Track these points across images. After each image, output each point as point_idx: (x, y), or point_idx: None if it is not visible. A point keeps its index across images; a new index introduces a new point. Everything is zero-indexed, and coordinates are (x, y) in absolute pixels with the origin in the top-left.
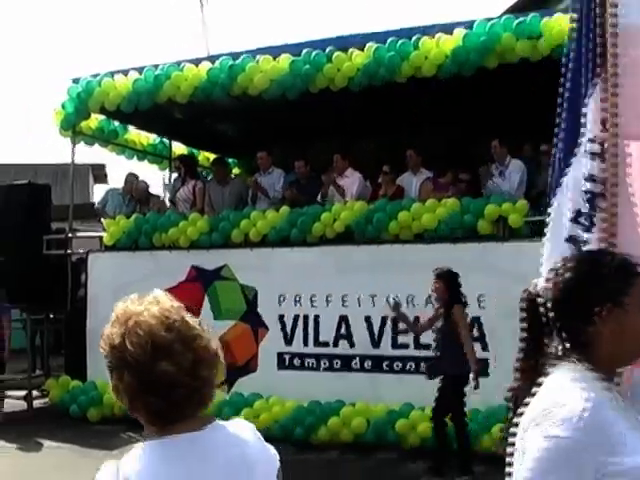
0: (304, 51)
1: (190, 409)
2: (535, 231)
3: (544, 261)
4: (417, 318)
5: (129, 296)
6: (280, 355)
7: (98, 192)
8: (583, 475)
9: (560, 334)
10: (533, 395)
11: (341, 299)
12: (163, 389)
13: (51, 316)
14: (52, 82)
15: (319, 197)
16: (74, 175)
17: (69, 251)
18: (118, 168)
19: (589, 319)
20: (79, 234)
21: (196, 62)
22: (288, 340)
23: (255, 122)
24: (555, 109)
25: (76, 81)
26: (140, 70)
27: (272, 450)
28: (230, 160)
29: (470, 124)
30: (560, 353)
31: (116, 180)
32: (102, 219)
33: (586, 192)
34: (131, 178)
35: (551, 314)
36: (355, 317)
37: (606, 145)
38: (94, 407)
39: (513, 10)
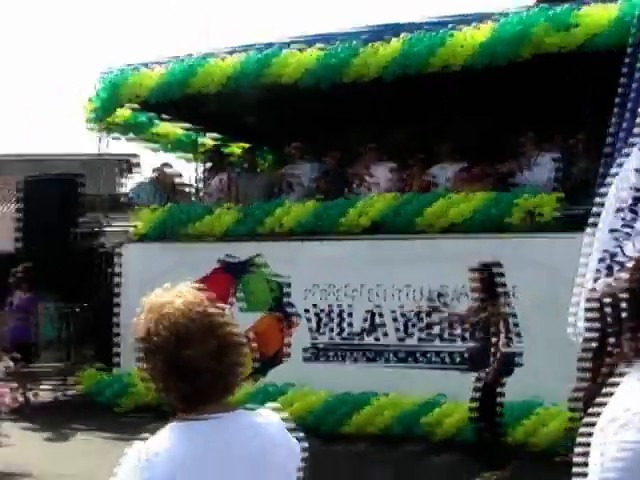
0: (336, 41)
1: (215, 395)
2: (569, 223)
3: (594, 251)
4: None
5: (159, 287)
6: (310, 346)
7: (128, 184)
8: None
9: (635, 333)
10: (606, 395)
11: (370, 291)
12: (190, 374)
13: (81, 307)
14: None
15: (348, 189)
16: (103, 167)
17: (100, 242)
18: (149, 160)
19: None
20: (109, 228)
21: (230, 52)
22: (319, 331)
23: (287, 112)
24: (589, 99)
25: (106, 73)
26: (172, 61)
27: (295, 441)
28: (260, 151)
29: (502, 115)
30: (633, 353)
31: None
32: (133, 210)
33: (630, 188)
34: (161, 169)
35: (624, 313)
36: (386, 309)
37: None
38: (123, 396)
39: (547, 0)
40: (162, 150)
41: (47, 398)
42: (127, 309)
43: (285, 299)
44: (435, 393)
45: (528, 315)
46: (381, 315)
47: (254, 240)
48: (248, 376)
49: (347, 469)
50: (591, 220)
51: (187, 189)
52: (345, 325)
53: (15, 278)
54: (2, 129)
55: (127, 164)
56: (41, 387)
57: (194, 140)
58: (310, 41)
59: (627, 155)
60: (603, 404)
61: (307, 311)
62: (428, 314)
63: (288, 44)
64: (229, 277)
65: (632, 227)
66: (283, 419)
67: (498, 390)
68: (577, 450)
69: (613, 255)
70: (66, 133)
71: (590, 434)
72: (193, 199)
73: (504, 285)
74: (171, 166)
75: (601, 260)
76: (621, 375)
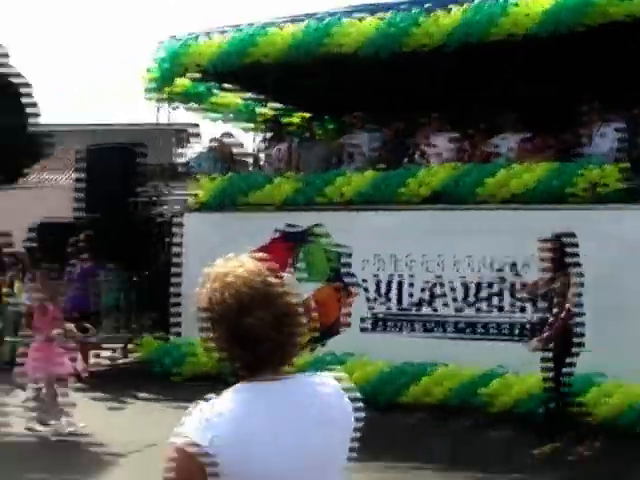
0: (397, 10)
1: (275, 363)
2: (633, 194)
3: None
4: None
5: (220, 257)
6: (370, 316)
7: (187, 153)
8: None
9: None
10: None
11: (430, 262)
12: (251, 343)
13: (140, 276)
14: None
15: (408, 159)
16: (161, 137)
17: (159, 211)
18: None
19: None
20: (168, 197)
21: (290, 21)
22: (379, 301)
23: (347, 82)
24: None
25: (166, 43)
26: (232, 30)
27: (350, 404)
28: (320, 121)
29: (565, 84)
30: None
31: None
32: (192, 179)
33: None
34: (219, 139)
35: None
36: (446, 280)
37: None
38: (182, 365)
39: None
40: (221, 120)
41: (106, 366)
42: (188, 279)
43: (344, 269)
44: (494, 365)
45: (592, 288)
46: (442, 285)
47: (313, 210)
48: (307, 345)
49: (404, 440)
50: None
51: (246, 159)
52: (404, 295)
53: (75, 247)
54: (61, 100)
55: (186, 134)
56: (101, 355)
57: (253, 110)
58: (371, 10)
59: None
60: None
61: (365, 281)
62: (490, 285)
63: (349, 13)
64: (288, 246)
65: None
66: (347, 388)
67: (567, 361)
68: None
69: None
70: (124, 103)
71: None
72: (251, 169)
73: (577, 255)
74: (232, 135)
75: None
76: None
